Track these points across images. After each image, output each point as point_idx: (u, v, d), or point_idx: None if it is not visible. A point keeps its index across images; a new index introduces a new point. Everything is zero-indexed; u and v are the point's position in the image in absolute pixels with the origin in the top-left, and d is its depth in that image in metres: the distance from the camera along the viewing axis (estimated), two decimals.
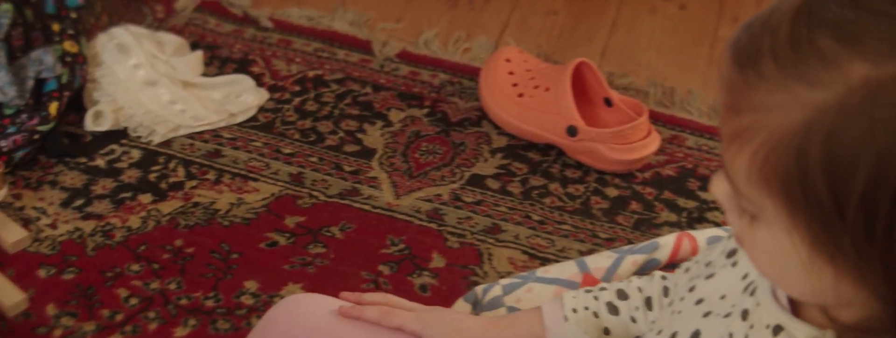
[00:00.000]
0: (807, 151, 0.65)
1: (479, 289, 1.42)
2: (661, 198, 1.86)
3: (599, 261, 1.45)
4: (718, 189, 0.78)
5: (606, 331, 1.17)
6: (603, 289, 1.20)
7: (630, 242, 1.70)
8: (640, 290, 1.18)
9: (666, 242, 1.45)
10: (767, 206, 0.70)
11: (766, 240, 0.73)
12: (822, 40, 0.66)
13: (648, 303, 1.16)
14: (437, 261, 1.71)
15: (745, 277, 0.95)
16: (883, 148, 0.63)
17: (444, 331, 1.17)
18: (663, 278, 1.18)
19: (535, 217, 1.80)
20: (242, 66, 2.06)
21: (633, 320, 1.16)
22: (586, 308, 1.17)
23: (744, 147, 0.69)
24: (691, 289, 1.00)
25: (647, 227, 1.80)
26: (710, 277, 0.99)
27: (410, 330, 1.18)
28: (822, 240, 0.68)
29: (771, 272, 0.78)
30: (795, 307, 0.85)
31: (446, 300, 1.47)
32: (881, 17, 0.65)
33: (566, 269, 1.44)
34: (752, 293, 0.90)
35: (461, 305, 1.41)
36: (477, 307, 1.39)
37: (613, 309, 1.16)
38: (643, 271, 1.41)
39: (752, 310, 0.88)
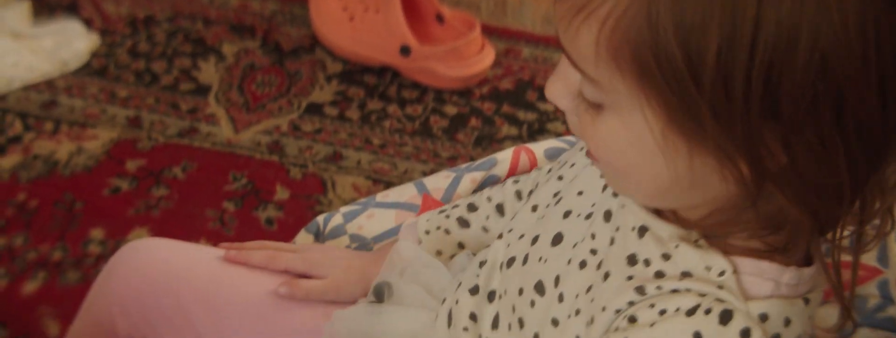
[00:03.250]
0: (657, 13, 0.63)
1: (320, 219, 1.42)
2: (501, 112, 1.87)
3: (438, 181, 1.45)
4: (556, 91, 0.77)
5: (461, 245, 1.17)
6: (455, 206, 1.20)
7: (472, 159, 1.71)
8: (489, 199, 1.18)
9: (503, 158, 1.46)
10: (617, 83, 0.68)
11: (615, 128, 0.72)
12: None
13: (500, 209, 1.16)
14: (281, 193, 1.72)
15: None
16: (736, 3, 0.61)
17: (331, 269, 1.17)
18: (515, 182, 1.18)
19: (376, 141, 1.81)
20: (71, 12, 2.02)
21: (485, 229, 1.16)
22: (438, 228, 1.17)
23: (589, 19, 0.66)
24: (556, 194, 1.00)
25: (489, 142, 1.81)
26: (574, 179, 0.99)
27: (298, 272, 1.17)
28: (678, 111, 0.66)
29: (621, 165, 0.75)
30: (658, 211, 0.83)
31: (293, 232, 1.48)
32: None
33: (405, 191, 1.44)
34: (616, 194, 0.88)
35: (303, 236, 1.41)
36: (319, 237, 1.39)
37: (464, 223, 1.17)
38: (483, 188, 1.42)
39: (616, 212, 0.87)
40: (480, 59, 1.87)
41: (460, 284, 1.01)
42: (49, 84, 1.90)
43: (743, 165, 0.67)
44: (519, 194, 1.15)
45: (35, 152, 1.78)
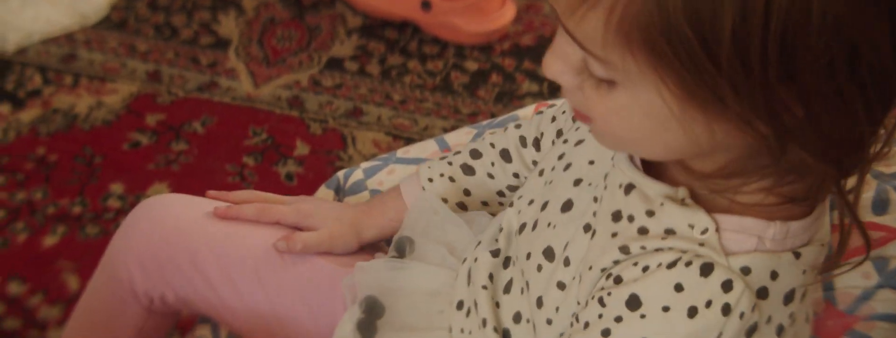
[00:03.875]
0: None
1: (340, 174, 1.42)
2: (522, 68, 1.86)
3: (459, 137, 1.44)
4: (556, 68, 0.74)
5: (467, 192, 1.17)
6: (457, 153, 1.20)
7: (493, 116, 1.71)
8: (492, 146, 1.17)
9: (525, 115, 1.45)
10: (628, 64, 0.67)
11: (627, 104, 0.71)
12: None
13: (505, 155, 1.15)
14: (301, 148, 1.71)
15: None
16: None
17: (323, 220, 1.16)
18: (517, 126, 1.17)
19: (396, 97, 1.80)
20: None
21: (491, 175, 1.16)
22: (442, 175, 1.16)
23: (596, 6, 0.65)
24: (560, 156, 0.99)
25: (510, 99, 1.80)
26: (579, 143, 0.98)
27: (289, 223, 1.16)
28: (695, 88, 0.65)
29: (633, 136, 0.74)
30: (648, 167, 0.84)
31: (313, 187, 1.47)
32: None
33: (426, 148, 1.44)
34: (613, 157, 0.88)
35: (323, 191, 1.41)
36: (339, 193, 1.39)
37: (469, 170, 1.16)
38: None
39: (610, 172, 0.87)
40: (501, 14, 1.85)
41: (479, 243, 1.00)
42: (68, 38, 1.89)
43: (763, 127, 0.67)
44: (523, 140, 1.14)
45: (55, 106, 1.78)
